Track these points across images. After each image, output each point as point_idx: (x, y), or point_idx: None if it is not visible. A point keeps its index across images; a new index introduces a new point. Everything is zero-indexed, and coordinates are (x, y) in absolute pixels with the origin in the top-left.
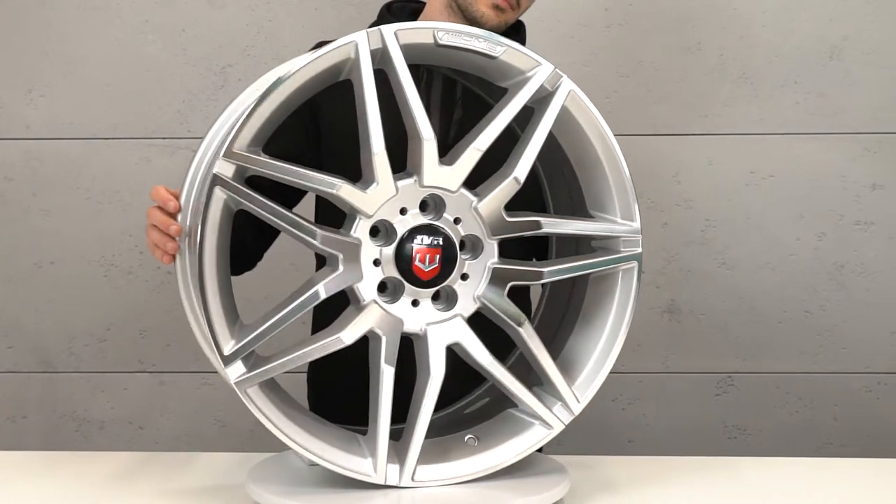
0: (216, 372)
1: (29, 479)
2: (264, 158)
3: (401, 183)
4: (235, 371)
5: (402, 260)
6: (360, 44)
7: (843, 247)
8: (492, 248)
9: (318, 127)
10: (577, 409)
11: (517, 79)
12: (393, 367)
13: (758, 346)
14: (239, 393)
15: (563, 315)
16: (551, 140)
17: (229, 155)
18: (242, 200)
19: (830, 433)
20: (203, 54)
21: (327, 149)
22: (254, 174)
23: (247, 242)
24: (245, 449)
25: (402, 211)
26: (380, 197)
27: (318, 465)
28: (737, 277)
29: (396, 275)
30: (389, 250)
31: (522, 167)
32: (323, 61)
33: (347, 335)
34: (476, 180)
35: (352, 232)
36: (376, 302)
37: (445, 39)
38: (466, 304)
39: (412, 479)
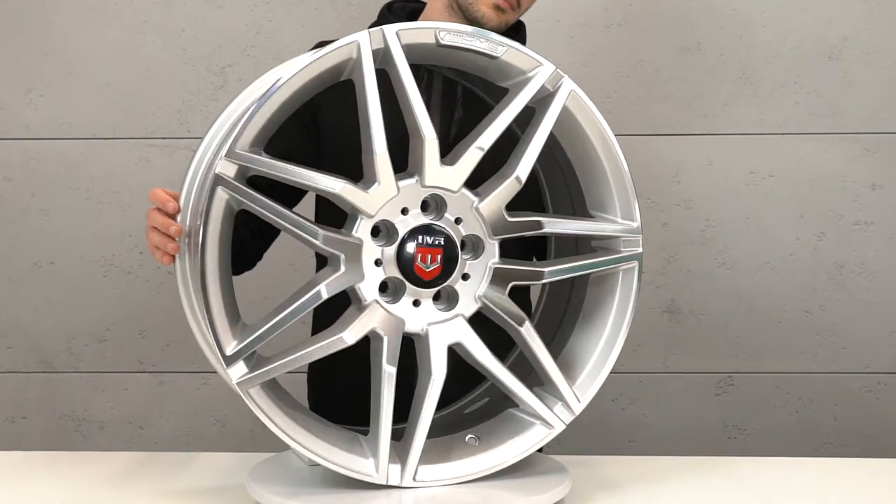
0: (216, 372)
1: (29, 480)
2: (267, 159)
3: (402, 183)
4: (237, 371)
5: (404, 260)
6: (362, 44)
7: (843, 247)
8: (493, 248)
9: (318, 127)
10: (578, 408)
11: (518, 79)
12: (395, 368)
13: (757, 345)
14: (241, 393)
15: (562, 315)
16: (551, 140)
17: (231, 155)
18: (245, 200)
19: (830, 433)
20: (203, 54)
21: (326, 149)
22: (254, 174)
23: (246, 242)
24: (245, 449)
25: (404, 211)
26: (381, 197)
27: (318, 465)
28: (737, 277)
29: (398, 275)
30: (391, 250)
31: (524, 167)
32: (325, 61)
33: (350, 335)
34: (476, 181)
35: (353, 232)
36: (378, 302)
37: (447, 39)
38: (467, 304)
39: (414, 479)
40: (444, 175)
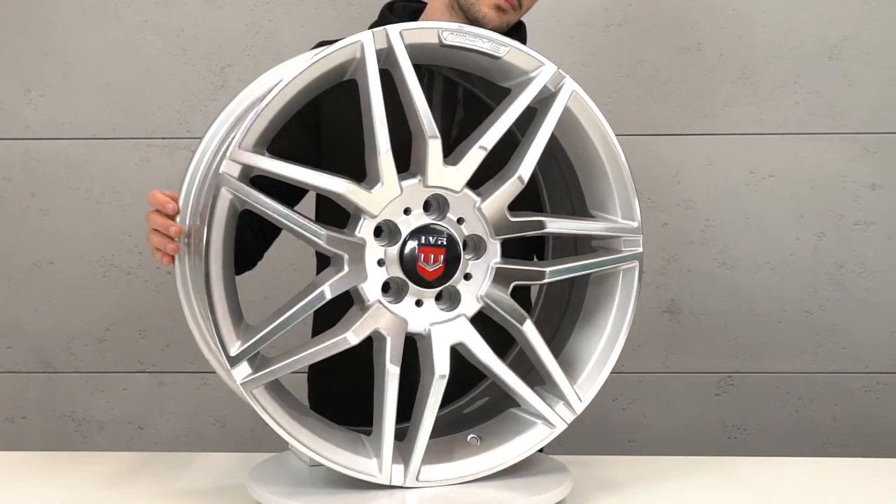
0: (215, 372)
1: (28, 480)
2: (271, 159)
3: (405, 183)
4: (242, 372)
5: (407, 260)
6: (366, 43)
7: (843, 247)
8: (495, 247)
9: (320, 127)
10: (580, 407)
11: (520, 79)
12: (398, 367)
13: (757, 345)
14: (245, 394)
15: (562, 315)
16: (551, 140)
17: (236, 155)
18: (249, 201)
19: (830, 433)
20: (202, 54)
21: (328, 149)
22: (257, 174)
23: (248, 242)
24: (244, 449)
25: (406, 211)
26: (385, 197)
27: (319, 465)
28: (737, 277)
29: (400, 275)
30: (394, 250)
31: (526, 167)
32: (328, 61)
33: (353, 336)
34: (477, 181)
35: (356, 232)
36: (381, 302)
37: (450, 39)
38: (470, 304)
39: (417, 479)
40: (447, 175)
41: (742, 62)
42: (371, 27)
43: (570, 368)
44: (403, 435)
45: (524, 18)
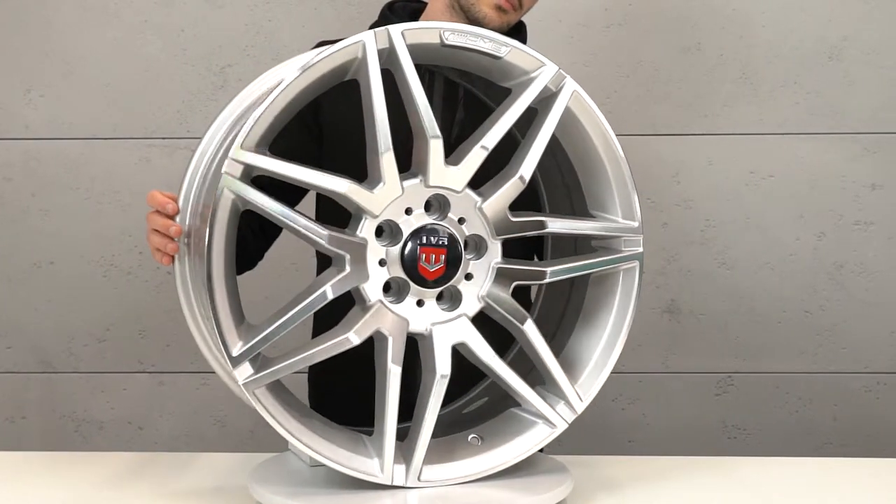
0: (215, 372)
1: (28, 480)
2: (273, 159)
3: (406, 183)
4: (244, 372)
5: (408, 260)
6: (367, 43)
7: (843, 247)
8: (496, 247)
9: (320, 126)
10: (581, 407)
11: (521, 79)
12: (400, 367)
13: (757, 345)
14: (247, 394)
15: (562, 315)
16: (551, 140)
17: (238, 155)
18: (250, 200)
19: (830, 433)
20: (202, 54)
21: (328, 149)
22: (258, 174)
23: (248, 242)
24: (245, 449)
25: (408, 211)
26: (386, 197)
27: (320, 465)
28: (736, 277)
29: (402, 275)
30: (395, 250)
31: (528, 166)
32: (330, 61)
33: (356, 336)
34: (477, 181)
35: (358, 232)
36: (382, 302)
37: (451, 39)
38: (471, 304)
39: (418, 479)
40: (449, 175)
41: (742, 62)
42: (371, 27)
43: (570, 368)
44: (404, 435)
45: (524, 18)
